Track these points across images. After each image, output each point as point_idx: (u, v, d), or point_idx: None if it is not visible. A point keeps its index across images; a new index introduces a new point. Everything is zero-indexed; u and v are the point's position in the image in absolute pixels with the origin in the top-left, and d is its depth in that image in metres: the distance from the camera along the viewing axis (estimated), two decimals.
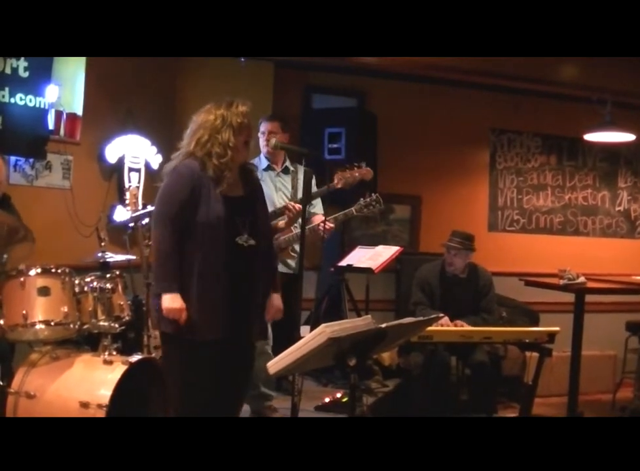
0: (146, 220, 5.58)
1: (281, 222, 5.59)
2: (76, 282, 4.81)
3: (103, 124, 6.56)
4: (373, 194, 5.72)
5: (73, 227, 6.19)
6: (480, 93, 8.26)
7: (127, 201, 5.76)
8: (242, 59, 7.09)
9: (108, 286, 4.89)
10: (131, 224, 5.75)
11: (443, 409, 5.88)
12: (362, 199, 5.71)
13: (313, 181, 5.78)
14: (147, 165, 6.80)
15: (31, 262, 4.73)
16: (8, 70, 5.67)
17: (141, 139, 6.76)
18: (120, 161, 6.62)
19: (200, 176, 4.04)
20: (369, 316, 3.43)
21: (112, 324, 4.81)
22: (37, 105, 5.88)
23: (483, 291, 6.34)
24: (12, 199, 5.20)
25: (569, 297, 6.39)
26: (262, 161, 6.05)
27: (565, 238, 8.99)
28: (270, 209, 5.25)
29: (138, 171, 6.76)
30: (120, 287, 5.04)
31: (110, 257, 5.43)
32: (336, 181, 5.58)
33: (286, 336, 4.28)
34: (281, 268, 5.99)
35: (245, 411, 5.65)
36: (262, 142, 6.01)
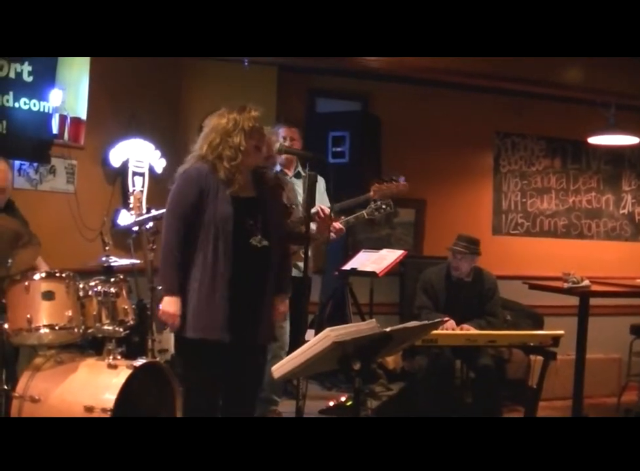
0: (151, 224, 5.59)
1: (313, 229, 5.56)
2: (81, 286, 4.82)
3: (107, 128, 6.56)
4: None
5: (77, 231, 6.19)
6: (483, 96, 8.25)
7: (131, 205, 5.75)
8: (245, 63, 7.09)
9: (113, 290, 4.89)
10: (135, 228, 5.75)
11: (447, 412, 5.87)
12: (372, 202, 5.71)
13: (323, 185, 5.78)
14: (151, 169, 6.81)
15: (35, 266, 4.74)
16: (12, 75, 5.68)
17: (144, 143, 6.76)
18: (124, 165, 6.62)
19: (209, 179, 4.09)
20: (373, 320, 3.43)
21: (117, 328, 4.82)
22: (41, 110, 5.88)
23: (488, 294, 6.33)
24: (16, 203, 5.20)
25: (573, 301, 6.39)
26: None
27: (569, 241, 8.98)
28: None
29: (142, 175, 6.77)
30: (124, 291, 5.04)
31: (115, 261, 5.42)
32: (372, 193, 5.56)
33: (295, 339, 4.30)
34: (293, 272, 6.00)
35: None
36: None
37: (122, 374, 4.47)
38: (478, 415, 5.87)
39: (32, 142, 5.89)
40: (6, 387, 4.58)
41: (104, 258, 5.37)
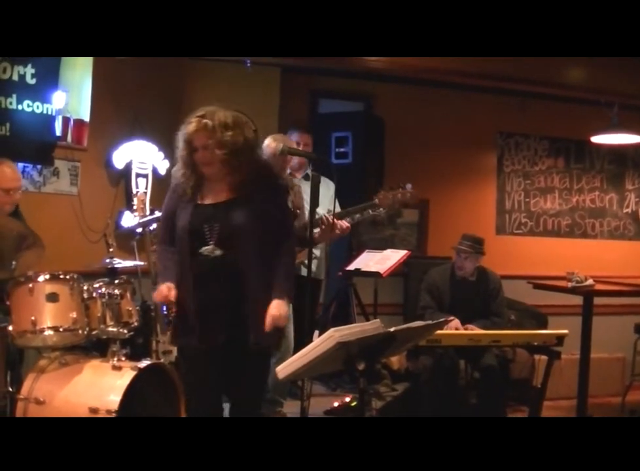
0: (154, 226, 5.59)
1: (315, 234, 5.56)
2: (85, 288, 4.82)
3: (110, 130, 6.57)
4: None
5: (81, 233, 6.20)
6: (486, 96, 8.25)
7: (134, 207, 5.76)
8: (248, 64, 7.09)
9: (117, 292, 4.90)
10: (139, 230, 5.75)
11: (452, 412, 5.87)
12: (376, 198, 5.72)
13: (333, 189, 5.81)
14: (154, 171, 6.81)
15: (39, 268, 4.74)
16: (15, 77, 5.69)
17: (148, 145, 6.76)
18: (128, 167, 6.63)
19: (182, 186, 4.04)
20: (377, 320, 3.43)
21: (121, 330, 4.83)
22: (44, 112, 5.89)
23: (493, 294, 6.34)
24: (20, 205, 5.21)
25: (577, 300, 6.39)
26: None
27: (572, 241, 8.97)
28: None
29: (145, 176, 6.77)
30: (128, 293, 5.05)
31: (118, 263, 5.43)
32: (377, 200, 5.53)
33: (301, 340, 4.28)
34: (302, 271, 6.01)
35: None
36: None
37: (127, 376, 4.48)
38: (482, 415, 5.87)
39: (35, 145, 5.90)
40: (11, 389, 4.59)
41: (108, 260, 5.38)
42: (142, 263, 5.88)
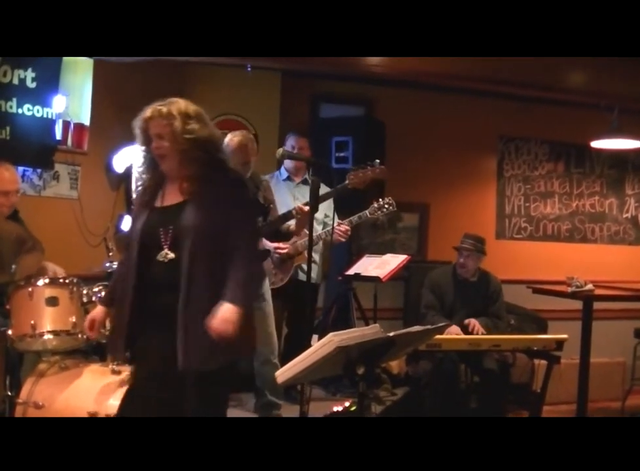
0: None
1: (292, 226, 5.61)
2: (84, 292, 4.83)
3: (110, 134, 6.57)
4: (386, 198, 5.77)
5: (81, 237, 6.20)
6: (487, 100, 8.25)
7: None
8: (249, 68, 7.09)
9: None
10: None
11: (452, 416, 5.87)
12: (375, 202, 5.74)
13: (324, 190, 5.82)
14: None
15: (39, 272, 4.74)
16: (15, 81, 5.70)
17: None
18: (128, 171, 6.62)
19: (143, 187, 3.89)
20: (377, 324, 3.43)
21: None
22: (45, 115, 5.90)
23: (493, 297, 6.40)
24: (20, 209, 5.21)
25: (577, 305, 6.39)
26: (281, 173, 6.25)
27: (572, 245, 8.97)
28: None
29: None
30: None
31: None
32: (347, 181, 5.52)
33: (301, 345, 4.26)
34: (300, 276, 6.04)
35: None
36: None
37: (126, 380, 4.47)
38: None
39: (35, 148, 5.91)
40: (10, 393, 4.60)
41: (108, 264, 5.38)
42: None
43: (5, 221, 4.87)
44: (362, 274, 6.71)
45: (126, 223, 6.44)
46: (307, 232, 4.82)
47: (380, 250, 7.65)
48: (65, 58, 6.03)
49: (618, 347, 7.90)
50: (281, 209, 5.76)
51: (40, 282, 4.62)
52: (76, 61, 6.27)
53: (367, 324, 6.19)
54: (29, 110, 5.79)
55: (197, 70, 7.18)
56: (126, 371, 4.54)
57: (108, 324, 3.98)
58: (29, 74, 5.76)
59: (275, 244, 5.62)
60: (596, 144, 7.65)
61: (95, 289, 4.90)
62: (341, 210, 5.97)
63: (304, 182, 6.33)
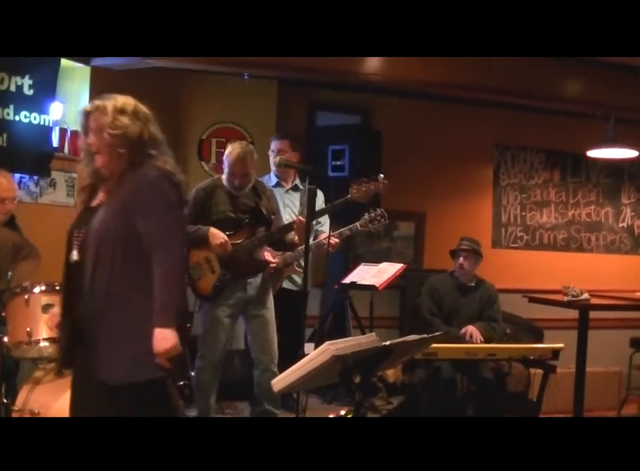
0: None
1: (295, 238, 5.57)
2: None
3: None
4: (377, 209, 5.74)
5: None
6: (483, 109, 8.27)
7: None
8: (246, 77, 7.11)
9: None
10: None
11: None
12: (366, 214, 5.72)
13: (322, 199, 5.84)
14: None
15: (35, 279, 4.73)
16: (12, 88, 5.71)
17: None
18: None
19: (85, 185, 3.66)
20: (373, 333, 3.43)
21: None
22: (41, 123, 5.91)
23: (490, 301, 6.51)
24: (16, 216, 5.21)
25: (573, 314, 6.39)
26: (271, 179, 6.24)
27: (568, 254, 8.98)
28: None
29: None
30: None
31: None
32: (350, 195, 5.48)
33: (291, 354, 4.23)
34: (286, 284, 6.05)
35: None
36: (271, 159, 6.12)
37: None
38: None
39: (32, 156, 5.91)
40: (5, 401, 4.59)
41: None
42: None
43: (2, 228, 4.87)
44: (359, 282, 6.71)
45: None
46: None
47: (376, 258, 7.65)
48: (62, 65, 6.04)
49: (614, 357, 7.89)
50: None
51: (37, 290, 4.62)
52: (73, 68, 6.29)
53: (363, 333, 6.21)
54: (26, 117, 5.79)
55: (194, 78, 7.19)
56: None
57: None
58: (26, 82, 5.77)
59: (266, 257, 5.57)
60: (592, 153, 7.66)
61: None
62: (334, 218, 5.97)
63: (294, 188, 6.31)
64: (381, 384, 7.23)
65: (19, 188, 5.81)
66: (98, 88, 6.37)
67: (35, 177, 6.00)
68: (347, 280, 6.79)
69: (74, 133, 6.28)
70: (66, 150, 6.25)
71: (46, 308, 4.58)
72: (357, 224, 5.68)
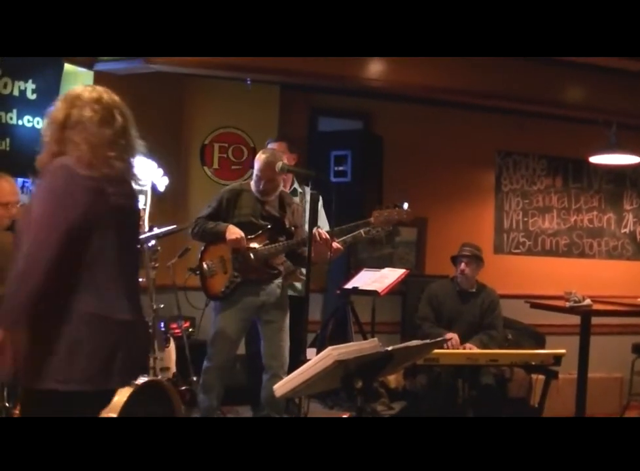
0: (153, 242, 5.60)
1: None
2: None
3: None
4: None
5: None
6: (485, 115, 8.28)
7: None
8: (248, 82, 7.11)
9: None
10: (137, 246, 5.74)
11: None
12: (371, 217, 5.69)
13: (320, 202, 5.83)
14: (153, 188, 6.78)
15: None
16: (15, 93, 5.71)
17: (146, 161, 6.75)
18: None
19: None
20: (375, 338, 3.43)
21: None
22: None
23: (491, 307, 6.48)
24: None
25: (575, 320, 6.38)
26: None
27: (570, 260, 8.98)
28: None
29: (144, 193, 6.76)
30: None
31: None
32: (372, 219, 5.40)
33: (293, 359, 4.24)
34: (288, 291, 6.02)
35: None
36: None
37: (124, 392, 4.45)
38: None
39: (35, 160, 5.90)
40: (7, 404, 4.58)
41: None
42: (140, 279, 5.87)
43: (4, 232, 4.87)
44: (360, 288, 6.71)
45: None
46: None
47: (378, 264, 7.66)
48: (65, 70, 6.04)
49: (615, 362, 7.88)
50: None
51: None
52: (76, 72, 6.29)
53: (365, 338, 6.20)
54: (29, 121, 5.80)
55: (197, 83, 7.20)
56: None
57: None
58: (29, 86, 5.78)
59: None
60: (594, 159, 7.66)
61: None
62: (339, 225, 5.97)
63: (293, 192, 6.29)
64: (382, 390, 7.23)
65: (22, 192, 5.81)
66: None
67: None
68: (349, 285, 6.79)
69: None
70: None
71: None
72: (361, 231, 5.60)
